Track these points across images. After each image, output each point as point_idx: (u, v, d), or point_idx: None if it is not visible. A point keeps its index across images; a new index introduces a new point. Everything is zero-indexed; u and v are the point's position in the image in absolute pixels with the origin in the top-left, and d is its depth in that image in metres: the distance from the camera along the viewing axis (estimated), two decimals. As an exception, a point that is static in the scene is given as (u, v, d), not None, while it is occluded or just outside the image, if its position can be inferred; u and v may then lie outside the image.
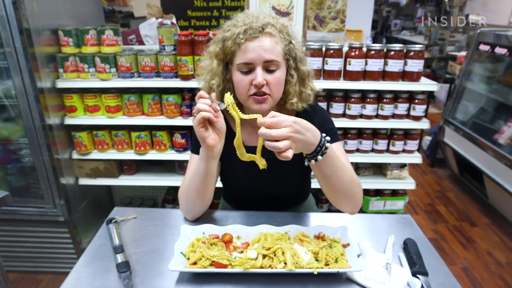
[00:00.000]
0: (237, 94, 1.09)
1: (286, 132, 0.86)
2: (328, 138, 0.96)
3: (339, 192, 1.06)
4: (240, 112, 0.98)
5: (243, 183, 1.25)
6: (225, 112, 1.19)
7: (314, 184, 1.37)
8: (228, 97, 0.99)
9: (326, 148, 0.95)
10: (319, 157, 0.95)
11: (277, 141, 0.86)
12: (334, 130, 1.20)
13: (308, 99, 1.17)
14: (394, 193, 2.47)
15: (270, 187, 1.24)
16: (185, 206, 1.17)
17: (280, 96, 1.11)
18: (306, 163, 0.99)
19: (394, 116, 2.16)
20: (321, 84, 2.03)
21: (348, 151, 2.24)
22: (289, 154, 0.87)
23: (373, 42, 3.73)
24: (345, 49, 2.06)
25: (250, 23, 1.03)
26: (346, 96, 2.15)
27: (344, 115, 2.18)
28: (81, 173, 2.28)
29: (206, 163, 1.05)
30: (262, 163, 1.03)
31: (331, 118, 1.23)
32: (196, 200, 1.13)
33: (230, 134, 1.23)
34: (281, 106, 1.17)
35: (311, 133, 0.92)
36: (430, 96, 4.91)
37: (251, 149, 1.21)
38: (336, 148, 1.14)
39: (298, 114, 1.22)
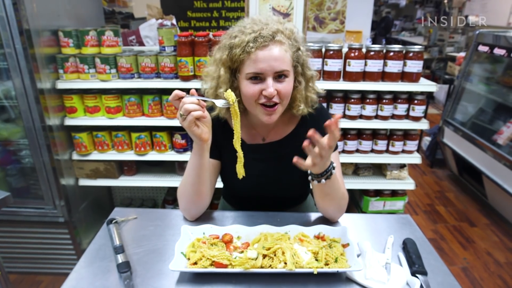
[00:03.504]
0: (244, 101, 1.09)
1: (327, 151, 0.94)
2: (334, 164, 1.04)
3: (330, 206, 1.15)
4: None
5: (243, 182, 1.25)
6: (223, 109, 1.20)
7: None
8: (231, 94, 1.00)
9: (332, 174, 1.03)
10: (323, 180, 1.03)
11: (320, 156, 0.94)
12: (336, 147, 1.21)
13: (312, 102, 1.18)
14: (394, 194, 2.48)
15: (270, 187, 1.25)
16: (184, 204, 1.17)
17: (287, 103, 1.11)
18: (309, 178, 1.06)
19: (393, 116, 2.17)
20: (320, 85, 2.02)
21: (347, 152, 2.25)
22: (317, 169, 1.01)
23: (373, 43, 3.74)
24: (345, 50, 2.06)
25: (260, 31, 1.01)
26: (345, 96, 2.16)
27: (343, 115, 2.18)
28: (81, 174, 2.28)
29: (201, 157, 1.07)
30: (240, 172, 1.10)
31: None
32: (193, 196, 1.14)
33: (230, 133, 1.24)
34: (287, 111, 1.17)
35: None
36: (429, 97, 4.91)
37: (251, 148, 1.22)
38: (332, 157, 1.17)
39: (303, 118, 1.22)
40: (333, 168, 1.03)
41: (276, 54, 1.01)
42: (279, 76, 1.03)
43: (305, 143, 0.93)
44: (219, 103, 1.02)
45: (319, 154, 0.93)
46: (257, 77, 1.03)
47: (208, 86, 1.14)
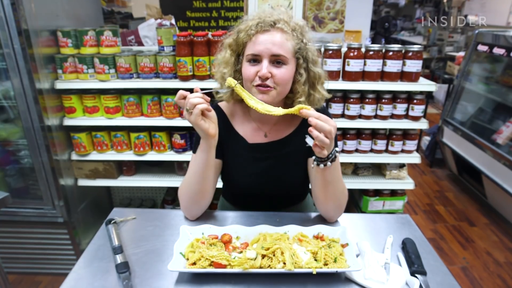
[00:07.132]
0: (244, 83, 1.13)
1: (333, 131, 0.94)
2: (337, 149, 1.03)
3: (331, 200, 1.13)
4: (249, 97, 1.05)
5: (244, 180, 1.25)
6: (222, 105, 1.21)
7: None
8: (231, 79, 1.03)
9: (336, 156, 1.03)
10: (329, 163, 1.02)
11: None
12: (336, 139, 1.22)
13: (316, 102, 1.18)
14: (393, 193, 2.47)
15: (271, 185, 1.25)
16: (185, 202, 1.18)
17: (286, 92, 1.12)
18: (312, 166, 1.06)
19: (392, 116, 2.17)
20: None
21: (347, 151, 2.25)
22: (325, 152, 0.96)
23: (372, 43, 3.74)
24: (344, 49, 2.06)
25: (264, 17, 1.08)
26: (345, 96, 2.16)
27: (343, 115, 2.19)
28: (80, 174, 2.28)
29: (208, 154, 1.08)
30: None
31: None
32: (196, 195, 1.14)
33: (233, 130, 1.23)
34: (289, 106, 1.18)
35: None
36: (428, 97, 4.92)
37: (252, 147, 1.22)
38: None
39: (305, 118, 1.22)
40: (336, 151, 1.03)
41: (275, 39, 1.05)
42: (277, 61, 1.06)
43: (310, 128, 0.95)
44: (222, 90, 1.07)
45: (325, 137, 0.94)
46: (256, 60, 1.07)
47: (216, 69, 1.21)
